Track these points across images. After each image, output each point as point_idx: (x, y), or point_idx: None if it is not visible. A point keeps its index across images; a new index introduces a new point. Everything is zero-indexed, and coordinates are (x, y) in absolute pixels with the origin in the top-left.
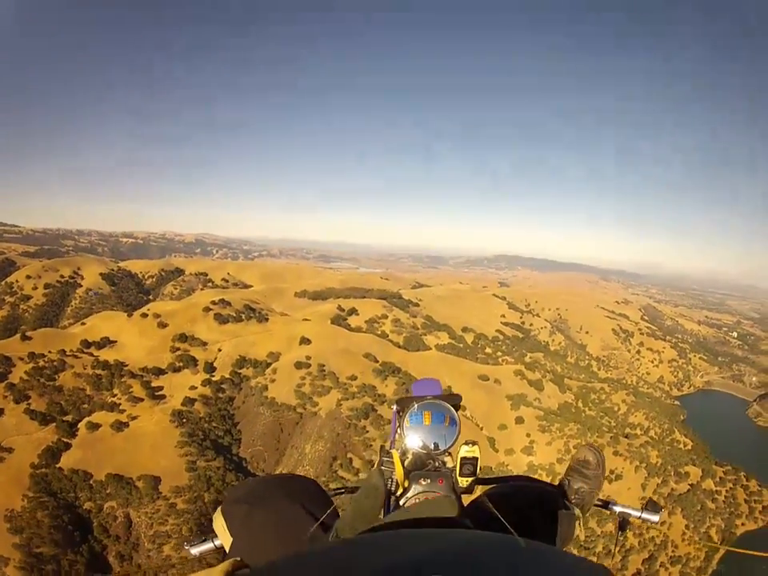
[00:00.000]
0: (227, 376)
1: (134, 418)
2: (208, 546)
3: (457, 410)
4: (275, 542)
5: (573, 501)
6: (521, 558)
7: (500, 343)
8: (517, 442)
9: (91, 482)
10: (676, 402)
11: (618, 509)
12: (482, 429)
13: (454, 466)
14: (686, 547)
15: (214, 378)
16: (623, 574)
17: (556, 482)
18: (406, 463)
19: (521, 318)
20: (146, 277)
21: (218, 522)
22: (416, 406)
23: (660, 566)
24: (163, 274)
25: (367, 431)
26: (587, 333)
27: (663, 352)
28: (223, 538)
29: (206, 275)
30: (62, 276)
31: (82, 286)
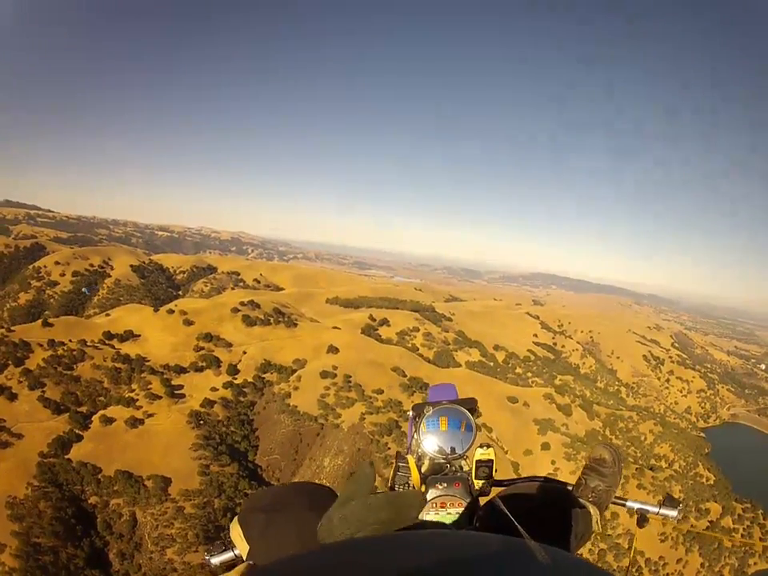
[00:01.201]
0: (250, 380)
1: (150, 415)
2: (228, 555)
3: (473, 414)
4: (292, 550)
5: (590, 499)
6: (523, 560)
7: (531, 363)
8: (541, 468)
9: (99, 476)
10: (701, 434)
11: (635, 505)
12: (506, 452)
13: (470, 470)
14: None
15: (236, 381)
16: None
17: (573, 482)
18: (422, 468)
19: (553, 338)
20: (177, 272)
21: (235, 531)
22: (432, 411)
23: None
24: (195, 270)
25: (389, 448)
26: (618, 358)
27: (692, 382)
28: (240, 546)
29: (238, 274)
30: (91, 265)
31: (110, 276)
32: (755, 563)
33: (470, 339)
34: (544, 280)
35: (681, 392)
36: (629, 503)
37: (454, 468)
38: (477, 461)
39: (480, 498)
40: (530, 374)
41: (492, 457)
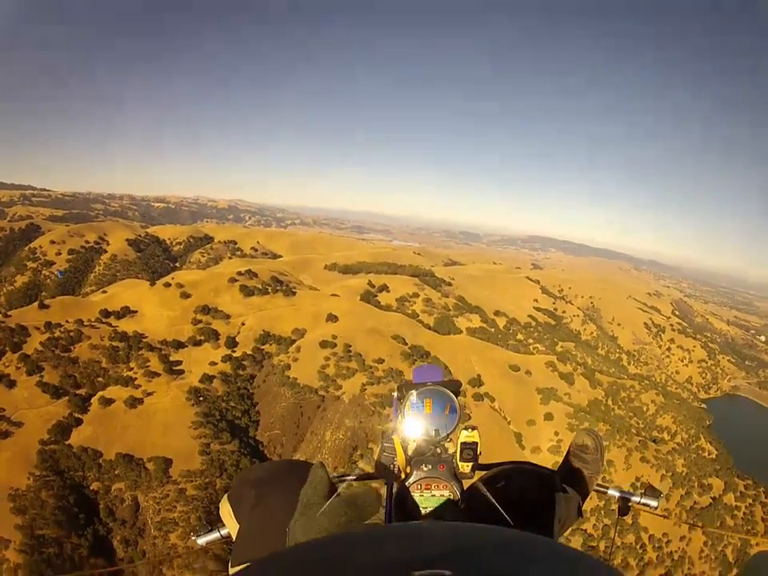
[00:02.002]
0: (249, 352)
1: (149, 394)
2: (214, 535)
3: (457, 396)
4: (282, 528)
5: (573, 485)
6: (523, 551)
7: (532, 330)
8: (544, 439)
9: (100, 461)
10: (703, 406)
11: (617, 493)
12: (509, 423)
13: (455, 452)
14: (702, 565)
15: (235, 354)
16: None
17: (555, 467)
18: (407, 449)
19: (553, 303)
20: (173, 243)
21: (225, 509)
22: (416, 392)
23: None
24: (191, 240)
25: (391, 420)
26: (619, 324)
27: (693, 351)
28: (230, 525)
29: (235, 243)
30: (86, 241)
31: (106, 252)
32: (757, 543)
33: (470, 305)
34: (543, 243)
35: (682, 361)
36: (610, 491)
37: (439, 450)
38: (462, 443)
39: (464, 481)
40: (531, 341)
41: (477, 439)
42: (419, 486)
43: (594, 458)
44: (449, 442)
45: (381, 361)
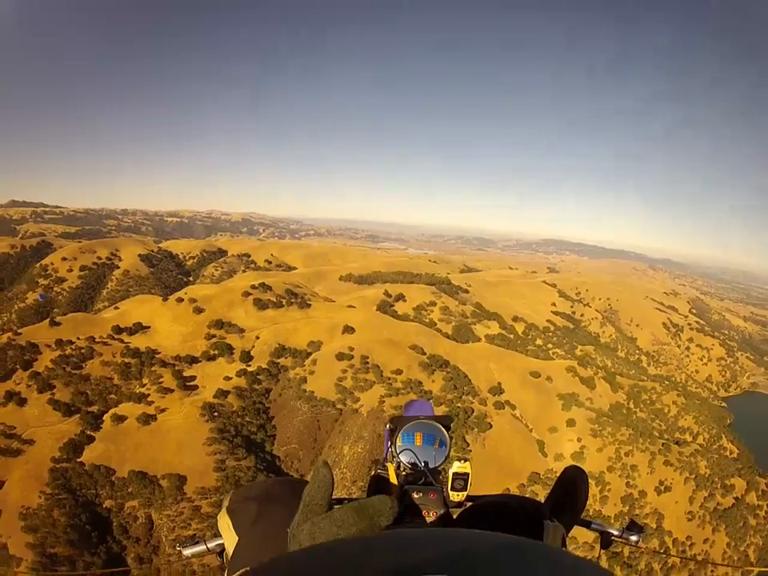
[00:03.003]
0: (264, 366)
1: (163, 410)
2: (200, 548)
3: (448, 431)
4: (282, 542)
5: (557, 517)
6: (522, 556)
7: (551, 334)
8: (567, 446)
9: (113, 478)
10: (723, 404)
11: (598, 528)
12: (531, 431)
13: (446, 481)
14: (725, 567)
15: (249, 368)
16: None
17: (541, 499)
18: (400, 477)
19: (571, 307)
20: (186, 258)
21: (224, 522)
22: (408, 426)
23: None
24: (205, 254)
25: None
26: (637, 325)
27: (712, 349)
28: (228, 537)
29: (249, 256)
30: (98, 258)
31: (119, 267)
32: None
33: (488, 311)
34: (558, 246)
35: (701, 360)
36: (593, 525)
37: (430, 479)
38: (454, 473)
39: (455, 510)
40: (550, 346)
41: (468, 470)
42: (410, 513)
43: (579, 493)
44: (440, 472)
45: (399, 372)
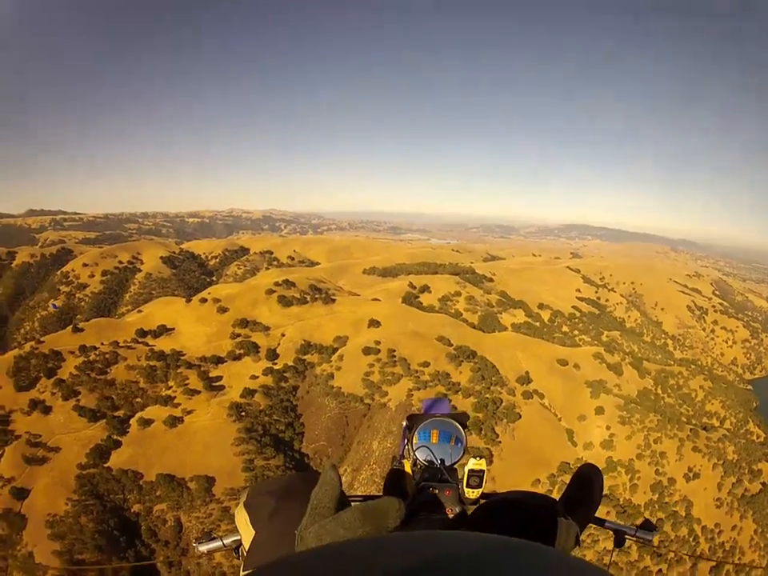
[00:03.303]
0: (291, 363)
1: (189, 412)
2: (216, 544)
3: (464, 428)
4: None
5: (572, 515)
6: (526, 560)
7: (576, 321)
8: (596, 434)
9: (141, 482)
10: (749, 387)
11: (613, 527)
12: (560, 419)
13: (462, 478)
14: (751, 554)
15: (276, 366)
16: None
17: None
18: (416, 474)
19: (596, 292)
20: (209, 258)
21: (241, 516)
22: (425, 423)
23: (725, 574)
24: (227, 253)
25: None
26: (662, 309)
27: (737, 331)
28: (245, 532)
29: (271, 253)
30: (120, 262)
31: (141, 271)
32: None
33: (513, 299)
34: (579, 231)
35: (726, 342)
36: (607, 524)
37: (446, 476)
38: (469, 470)
39: (470, 507)
40: (576, 332)
41: (484, 467)
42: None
43: (594, 490)
44: (456, 469)
45: (426, 364)
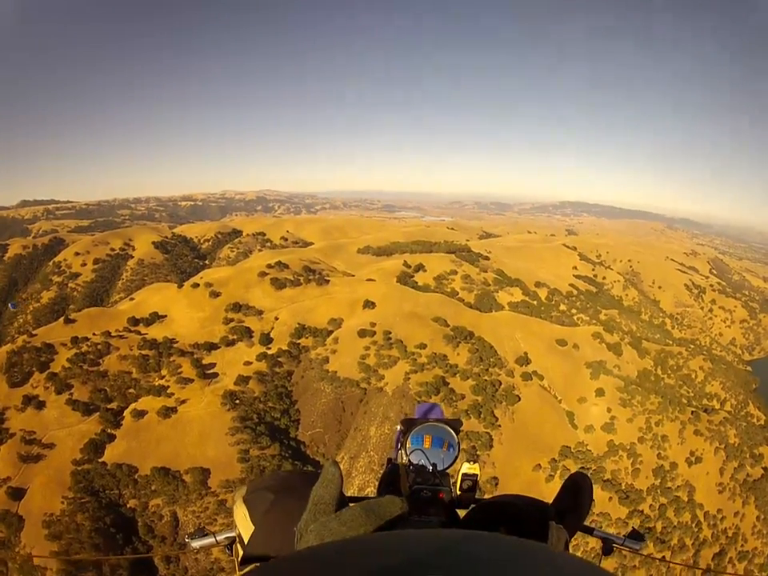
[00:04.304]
0: (285, 348)
1: (183, 401)
2: (209, 540)
3: (457, 434)
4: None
5: (561, 521)
6: (514, 555)
7: (574, 299)
8: (597, 417)
9: (136, 476)
10: (748, 368)
11: (601, 535)
12: (560, 401)
13: (455, 482)
14: (754, 541)
15: (270, 351)
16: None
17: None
18: (409, 477)
19: (593, 270)
20: (201, 241)
21: (239, 511)
22: (418, 428)
23: (728, 562)
24: (219, 236)
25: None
26: (660, 288)
27: (734, 311)
28: (243, 527)
29: (264, 235)
30: (111, 249)
31: (133, 257)
32: None
33: (509, 278)
34: (574, 208)
35: (724, 322)
36: (596, 532)
37: (438, 480)
38: (463, 474)
39: (462, 511)
40: (574, 311)
41: (477, 472)
42: (418, 512)
43: (584, 498)
44: (448, 474)
45: (423, 346)
